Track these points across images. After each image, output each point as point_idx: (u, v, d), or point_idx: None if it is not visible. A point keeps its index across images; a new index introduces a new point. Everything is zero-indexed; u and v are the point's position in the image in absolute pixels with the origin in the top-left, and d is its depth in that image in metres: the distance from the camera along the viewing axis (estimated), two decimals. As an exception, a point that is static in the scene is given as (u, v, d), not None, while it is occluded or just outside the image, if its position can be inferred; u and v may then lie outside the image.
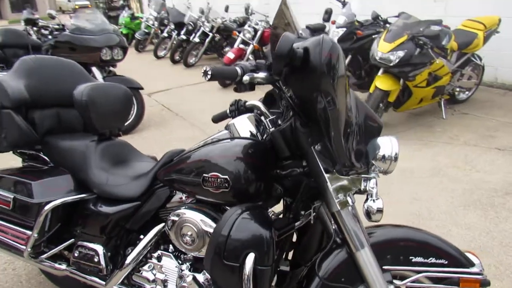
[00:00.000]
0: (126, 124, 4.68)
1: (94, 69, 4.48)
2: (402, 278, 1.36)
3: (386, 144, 1.22)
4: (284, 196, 1.48)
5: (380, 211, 1.19)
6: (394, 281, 1.33)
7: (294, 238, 1.61)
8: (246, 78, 1.21)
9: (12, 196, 1.71)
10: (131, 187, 1.68)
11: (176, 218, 1.52)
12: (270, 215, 1.53)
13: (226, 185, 1.35)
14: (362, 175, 1.26)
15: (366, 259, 1.26)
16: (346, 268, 1.32)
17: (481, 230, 2.49)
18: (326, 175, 1.24)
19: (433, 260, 1.34)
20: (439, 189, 3.03)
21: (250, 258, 1.21)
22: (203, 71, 1.20)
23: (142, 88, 4.62)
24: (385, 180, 3.15)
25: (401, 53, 3.82)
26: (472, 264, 1.36)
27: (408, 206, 2.82)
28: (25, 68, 1.86)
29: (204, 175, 1.39)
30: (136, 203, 1.66)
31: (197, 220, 1.43)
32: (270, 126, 1.40)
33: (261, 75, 1.22)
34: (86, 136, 1.91)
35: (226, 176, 1.35)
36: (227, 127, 1.55)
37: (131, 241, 1.71)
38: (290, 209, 1.48)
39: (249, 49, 6.79)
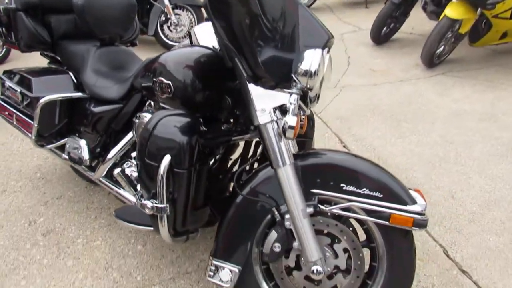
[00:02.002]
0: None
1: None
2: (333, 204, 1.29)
3: (309, 58, 1.11)
4: (234, 109, 1.46)
5: (291, 127, 1.12)
6: (321, 206, 1.28)
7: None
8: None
9: (19, 90, 1.94)
10: (114, 90, 1.79)
11: (137, 121, 1.61)
12: (223, 127, 1.52)
13: (169, 90, 1.37)
14: (285, 90, 1.17)
15: (286, 176, 1.22)
16: (270, 184, 1.30)
17: (505, 183, 2.20)
18: (250, 86, 1.19)
19: (366, 191, 1.25)
20: (481, 135, 2.69)
21: (166, 160, 1.25)
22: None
23: (202, 6, 4.64)
24: (423, 120, 2.88)
25: (480, -25, 3.23)
26: (413, 203, 1.24)
27: (436, 148, 2.57)
28: None
29: (154, 79, 1.43)
30: (118, 105, 1.77)
31: None
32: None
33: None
34: (93, 41, 2.03)
35: (169, 82, 1.37)
36: (189, 34, 1.53)
37: (116, 140, 1.86)
38: (238, 122, 1.47)
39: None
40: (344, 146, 2.65)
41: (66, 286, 1.74)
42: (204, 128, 1.42)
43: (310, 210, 1.25)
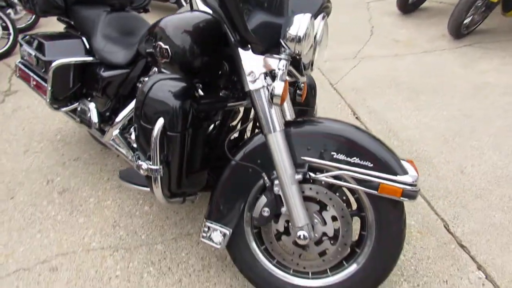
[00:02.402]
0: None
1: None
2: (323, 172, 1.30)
3: (297, 22, 1.09)
4: (232, 75, 1.46)
5: (278, 96, 1.12)
6: (311, 173, 1.28)
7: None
8: None
9: (34, 54, 2.00)
10: (121, 55, 1.82)
11: (140, 85, 1.64)
12: (221, 93, 1.53)
13: (167, 55, 1.39)
14: (274, 55, 1.16)
15: (275, 142, 1.24)
16: (262, 150, 1.31)
17: (521, 160, 2.12)
18: (239, 51, 1.19)
19: (356, 160, 1.24)
20: (503, 110, 2.58)
21: (159, 122, 1.28)
22: None
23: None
24: (443, 93, 2.78)
25: None
26: (404, 173, 1.22)
27: (453, 122, 2.49)
28: None
29: (153, 44, 1.44)
30: (125, 70, 1.81)
31: None
32: None
33: None
34: (104, 7, 2.06)
35: (167, 46, 1.38)
36: None
37: (124, 104, 1.91)
38: (235, 88, 1.48)
39: None
40: (356, 118, 2.62)
41: (77, 241, 1.84)
42: (201, 93, 1.44)
43: (299, 177, 1.26)
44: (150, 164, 1.34)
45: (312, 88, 1.67)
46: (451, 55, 3.39)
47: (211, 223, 1.41)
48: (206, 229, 1.42)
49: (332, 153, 1.26)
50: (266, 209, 1.32)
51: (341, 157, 1.25)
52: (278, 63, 1.14)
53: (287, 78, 1.22)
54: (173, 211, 1.97)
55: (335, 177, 1.28)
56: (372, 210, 1.30)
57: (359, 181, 1.25)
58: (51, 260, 1.76)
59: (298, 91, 1.54)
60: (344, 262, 1.38)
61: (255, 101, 1.23)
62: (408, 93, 2.86)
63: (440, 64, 3.26)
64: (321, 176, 1.27)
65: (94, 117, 1.92)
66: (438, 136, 2.36)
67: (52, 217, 2.00)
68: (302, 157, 1.29)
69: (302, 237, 1.27)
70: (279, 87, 1.12)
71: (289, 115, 1.46)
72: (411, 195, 1.20)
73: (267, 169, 1.32)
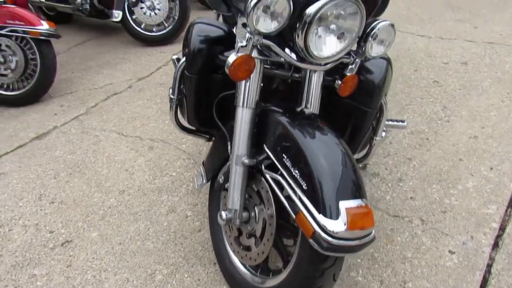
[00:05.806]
0: None
1: None
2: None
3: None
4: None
5: (227, 65, 1.06)
6: (263, 165, 1.17)
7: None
8: None
9: None
10: None
11: None
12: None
13: None
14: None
15: (240, 117, 1.18)
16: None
17: None
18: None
19: (297, 174, 1.04)
20: None
21: (182, 61, 1.41)
22: None
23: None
24: None
25: None
26: (334, 217, 0.97)
27: None
28: None
29: None
30: None
31: None
32: None
33: None
34: None
35: None
36: None
37: None
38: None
39: None
40: None
41: (176, 139, 2.26)
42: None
43: (246, 161, 1.18)
44: (171, 93, 1.51)
45: (374, 86, 1.33)
46: None
47: (201, 168, 1.50)
48: (198, 170, 1.53)
49: (284, 155, 1.10)
50: (223, 177, 1.31)
51: (288, 163, 1.08)
52: (237, 32, 1.05)
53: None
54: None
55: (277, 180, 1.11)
56: (300, 240, 1.10)
57: (288, 197, 1.06)
58: (154, 141, 2.27)
59: (337, 81, 1.28)
60: (271, 274, 1.25)
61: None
62: None
63: None
64: (265, 172, 1.15)
65: None
66: None
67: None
68: (264, 145, 1.17)
69: (221, 216, 1.21)
70: (231, 58, 1.04)
71: (312, 104, 1.26)
72: (320, 244, 0.97)
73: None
